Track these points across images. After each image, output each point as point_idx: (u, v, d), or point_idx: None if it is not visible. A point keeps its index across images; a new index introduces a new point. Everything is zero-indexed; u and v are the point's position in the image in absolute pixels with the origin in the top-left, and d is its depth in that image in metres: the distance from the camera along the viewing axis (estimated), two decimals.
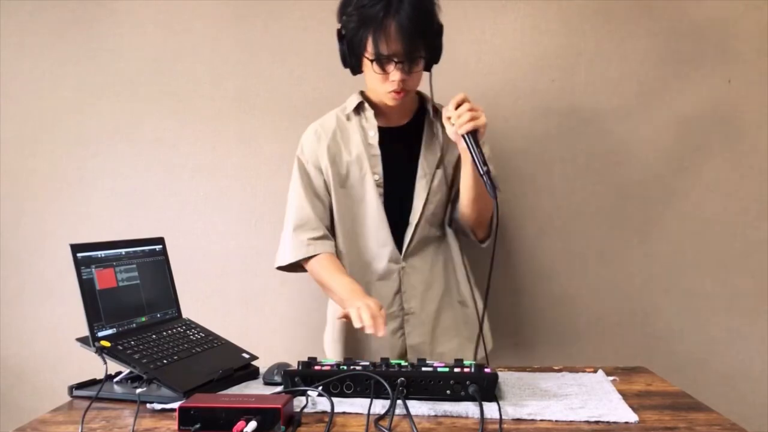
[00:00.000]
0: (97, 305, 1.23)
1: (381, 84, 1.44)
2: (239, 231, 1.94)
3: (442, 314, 1.58)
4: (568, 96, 1.86)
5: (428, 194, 1.53)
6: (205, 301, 1.90)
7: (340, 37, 1.45)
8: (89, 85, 1.94)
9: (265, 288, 1.94)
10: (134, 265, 1.35)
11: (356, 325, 1.26)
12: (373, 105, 1.55)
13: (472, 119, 1.33)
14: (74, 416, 1.09)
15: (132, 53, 1.93)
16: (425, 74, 1.48)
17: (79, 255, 1.23)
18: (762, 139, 1.84)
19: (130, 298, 1.32)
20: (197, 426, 0.96)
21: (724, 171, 1.86)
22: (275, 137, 1.92)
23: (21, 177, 1.97)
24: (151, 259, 1.40)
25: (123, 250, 1.33)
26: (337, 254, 1.55)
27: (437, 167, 1.55)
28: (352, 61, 1.45)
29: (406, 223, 1.54)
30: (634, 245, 1.88)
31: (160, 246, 1.42)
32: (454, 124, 1.36)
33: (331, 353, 1.65)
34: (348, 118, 1.56)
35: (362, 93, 1.58)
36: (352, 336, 1.57)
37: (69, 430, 1.03)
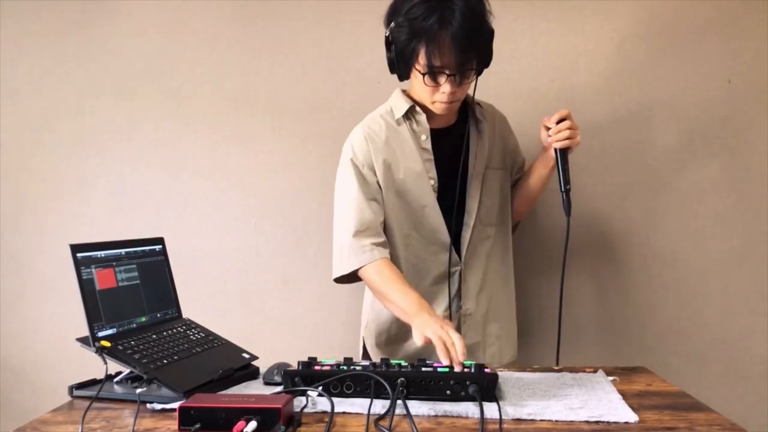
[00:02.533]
0: (97, 305, 1.23)
1: (430, 95, 1.42)
2: (239, 231, 1.94)
3: (491, 314, 1.58)
4: (568, 96, 1.86)
5: (481, 194, 1.53)
6: (205, 301, 1.90)
7: (389, 44, 1.41)
8: (89, 85, 1.94)
9: (265, 288, 1.94)
10: (134, 265, 1.34)
11: (442, 360, 1.19)
12: (424, 108, 1.50)
13: (569, 138, 1.42)
14: (74, 416, 1.09)
15: (132, 53, 1.93)
16: None
17: (79, 255, 1.23)
18: (762, 139, 1.84)
19: (130, 298, 1.32)
20: (197, 426, 0.96)
21: (724, 171, 1.86)
22: (275, 137, 1.92)
23: (21, 177, 1.97)
24: (151, 259, 1.39)
25: (123, 250, 1.33)
26: (392, 259, 1.50)
27: (487, 167, 1.55)
28: (401, 69, 1.42)
29: (461, 225, 1.53)
30: (634, 245, 1.88)
31: (160, 246, 1.42)
32: (551, 135, 1.43)
33: (375, 352, 1.61)
34: (398, 123, 1.52)
35: (406, 93, 1.53)
36: (397, 338, 1.56)
37: (69, 430, 1.02)
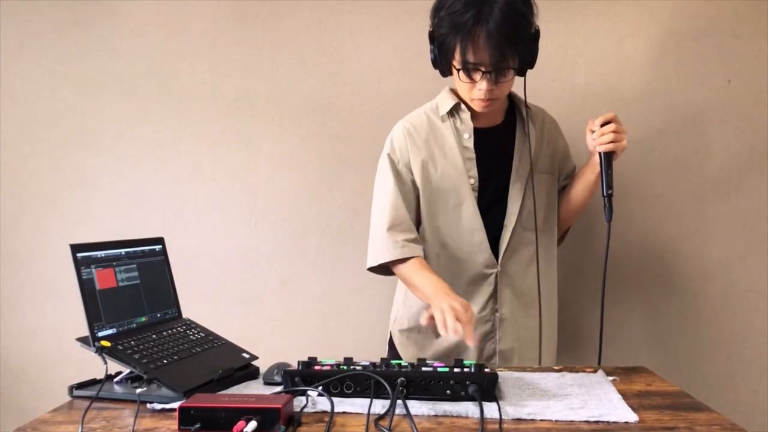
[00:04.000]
0: (97, 305, 1.23)
1: (468, 91, 1.43)
2: (239, 231, 1.94)
3: (527, 322, 1.55)
4: (568, 96, 1.86)
5: (523, 197, 1.51)
6: (205, 301, 1.90)
7: (432, 38, 1.42)
8: (89, 85, 1.94)
9: (265, 288, 1.94)
10: (134, 265, 1.34)
11: (441, 331, 1.23)
12: (468, 106, 1.51)
13: (614, 141, 1.38)
14: (74, 416, 1.08)
15: (132, 53, 1.93)
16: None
17: (79, 255, 1.23)
18: (762, 139, 1.84)
19: (130, 298, 1.32)
20: (197, 426, 0.96)
21: (724, 171, 1.86)
22: (275, 137, 1.92)
23: (21, 177, 1.97)
24: (151, 259, 1.39)
25: (123, 250, 1.33)
26: (426, 258, 1.51)
27: (532, 170, 1.52)
28: (442, 65, 1.43)
29: (501, 227, 1.52)
30: (635, 245, 1.88)
31: (160, 246, 1.42)
32: (596, 139, 1.40)
33: (404, 352, 1.59)
34: (442, 120, 1.52)
35: (454, 92, 1.53)
36: (430, 336, 1.53)
37: (69, 430, 1.02)
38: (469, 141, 1.50)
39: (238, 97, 1.92)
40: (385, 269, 1.52)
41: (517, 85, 1.49)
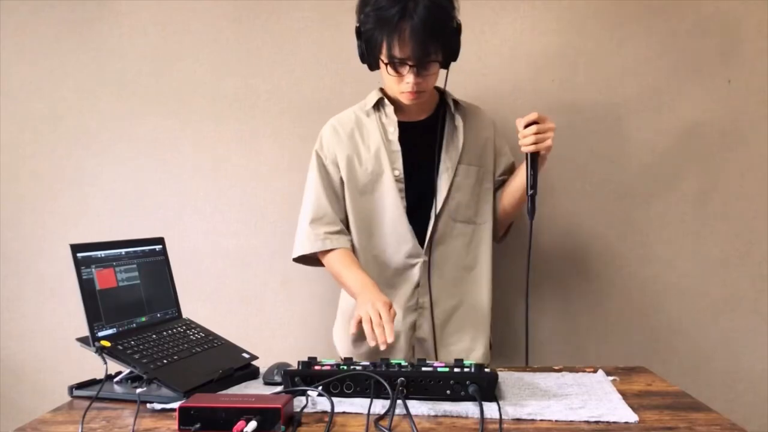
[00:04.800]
0: (97, 305, 1.23)
1: (396, 85, 1.45)
2: (239, 231, 1.94)
3: (455, 313, 1.58)
4: (568, 96, 1.86)
5: (450, 188, 1.53)
6: (205, 301, 1.90)
7: (358, 34, 1.45)
8: (89, 85, 1.94)
9: (265, 288, 1.94)
10: (134, 265, 1.35)
11: (370, 343, 1.28)
12: (392, 101, 1.55)
13: (535, 143, 1.40)
14: (74, 416, 1.09)
15: (132, 53, 1.93)
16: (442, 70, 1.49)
17: (79, 255, 1.23)
18: (762, 140, 1.84)
19: (130, 298, 1.32)
20: (197, 426, 0.96)
21: (724, 171, 1.86)
22: (275, 137, 1.92)
23: (21, 177, 1.97)
24: (151, 259, 1.40)
25: (123, 250, 1.33)
26: (354, 250, 1.56)
27: (459, 162, 1.55)
28: (370, 60, 1.46)
29: (428, 219, 1.54)
30: (634, 245, 1.88)
31: (160, 246, 1.42)
32: (519, 139, 1.42)
33: (340, 346, 1.65)
34: (367, 114, 1.57)
35: (382, 90, 1.58)
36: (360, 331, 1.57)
37: (69, 430, 1.03)
38: (393, 134, 1.54)
39: (238, 97, 1.92)
40: (314, 260, 1.58)
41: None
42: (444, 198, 1.53)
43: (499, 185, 1.64)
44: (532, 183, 1.43)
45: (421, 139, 1.55)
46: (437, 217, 1.53)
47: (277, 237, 1.93)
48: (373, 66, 1.48)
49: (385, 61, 1.41)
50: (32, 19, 1.94)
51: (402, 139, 1.54)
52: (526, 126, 1.41)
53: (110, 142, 1.95)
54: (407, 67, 1.41)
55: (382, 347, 1.26)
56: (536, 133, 1.40)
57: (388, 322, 1.28)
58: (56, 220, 1.96)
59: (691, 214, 1.86)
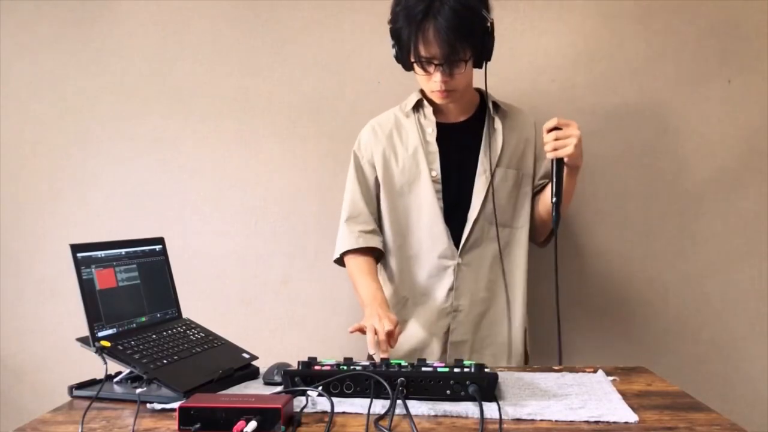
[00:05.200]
0: (97, 305, 1.23)
1: (426, 84, 1.46)
2: (239, 231, 1.94)
3: (486, 317, 1.57)
4: (568, 96, 1.86)
5: (487, 191, 1.53)
6: (205, 301, 1.90)
7: (392, 34, 1.45)
8: (89, 85, 1.95)
9: (265, 288, 1.94)
10: (134, 265, 1.34)
11: (369, 350, 1.30)
12: (431, 102, 1.55)
13: (554, 149, 1.38)
14: (74, 416, 1.09)
15: (132, 53, 1.93)
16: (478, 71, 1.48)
17: (79, 255, 1.23)
18: (762, 139, 1.84)
19: (130, 298, 1.32)
20: (197, 426, 0.96)
21: (724, 171, 1.86)
22: (275, 137, 1.92)
23: (21, 177, 1.97)
24: (151, 259, 1.39)
25: (123, 250, 1.33)
26: (387, 250, 1.58)
27: (498, 165, 1.54)
28: (403, 58, 1.46)
29: (465, 221, 1.53)
30: (634, 245, 1.88)
31: (160, 246, 1.42)
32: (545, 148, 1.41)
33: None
34: (407, 116, 1.58)
35: (422, 91, 1.57)
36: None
37: (69, 430, 1.02)
38: (431, 135, 1.54)
39: (238, 97, 1.92)
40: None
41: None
42: (481, 201, 1.52)
43: (539, 189, 1.62)
44: (556, 191, 1.40)
45: (460, 141, 1.54)
46: (473, 220, 1.52)
47: (277, 237, 1.93)
48: (407, 66, 1.47)
49: (413, 59, 1.42)
50: (33, 19, 1.94)
51: (440, 140, 1.53)
52: (549, 132, 1.40)
53: (110, 142, 1.95)
54: (434, 66, 1.41)
55: (383, 356, 1.26)
56: (556, 139, 1.38)
57: (391, 336, 1.31)
58: (56, 220, 1.96)
59: (692, 213, 1.86)
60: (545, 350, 1.85)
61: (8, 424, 1.91)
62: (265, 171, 1.93)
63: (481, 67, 1.47)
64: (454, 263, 1.54)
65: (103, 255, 1.28)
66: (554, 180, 1.40)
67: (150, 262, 1.39)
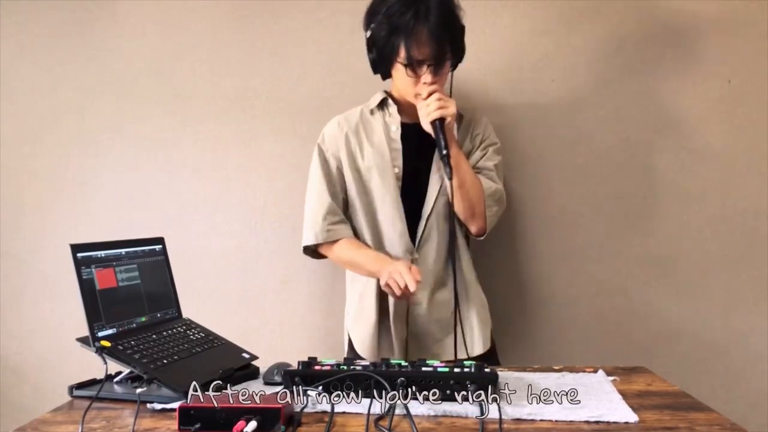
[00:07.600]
0: (97, 305, 1.23)
1: (411, 87, 1.50)
2: (239, 231, 1.94)
3: (443, 308, 1.59)
4: (568, 96, 1.86)
5: (440, 188, 1.57)
6: (205, 301, 1.90)
7: (371, 44, 1.50)
8: (89, 85, 1.94)
9: (265, 288, 1.94)
10: (134, 265, 1.35)
11: (397, 295, 1.41)
12: (396, 102, 1.61)
13: (440, 108, 1.45)
14: (74, 416, 1.09)
15: (132, 53, 1.93)
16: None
17: (79, 255, 1.23)
18: (762, 139, 1.84)
19: (130, 298, 1.32)
20: (197, 426, 0.96)
21: (724, 171, 1.86)
22: (275, 137, 1.92)
23: (21, 177, 1.97)
24: (151, 259, 1.39)
25: (123, 250, 1.33)
26: (360, 236, 1.62)
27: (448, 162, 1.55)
28: (383, 68, 1.52)
29: (420, 217, 1.58)
30: (634, 245, 1.88)
31: (160, 246, 1.42)
32: (424, 115, 1.47)
33: (355, 334, 1.65)
34: (372, 113, 1.63)
35: (386, 91, 1.63)
36: (366, 321, 1.61)
37: (69, 430, 1.03)
38: (396, 133, 1.60)
39: (238, 97, 1.92)
40: (316, 252, 1.64)
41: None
42: (434, 197, 1.57)
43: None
44: (446, 145, 1.46)
45: (421, 141, 1.56)
46: (426, 215, 1.57)
47: (277, 237, 1.93)
48: (386, 74, 1.54)
49: (404, 63, 1.46)
50: (32, 19, 1.94)
51: (404, 139, 1.59)
52: (428, 96, 1.47)
53: (110, 142, 1.95)
54: (425, 68, 1.46)
55: (413, 290, 1.36)
56: (439, 100, 1.45)
57: (407, 274, 1.38)
58: (56, 220, 1.96)
59: (692, 213, 1.86)
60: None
61: (8, 423, 1.91)
62: (265, 171, 1.93)
63: (455, 68, 1.55)
64: (411, 258, 1.57)
65: (103, 255, 1.28)
66: (443, 136, 1.46)
67: (150, 262, 1.39)
